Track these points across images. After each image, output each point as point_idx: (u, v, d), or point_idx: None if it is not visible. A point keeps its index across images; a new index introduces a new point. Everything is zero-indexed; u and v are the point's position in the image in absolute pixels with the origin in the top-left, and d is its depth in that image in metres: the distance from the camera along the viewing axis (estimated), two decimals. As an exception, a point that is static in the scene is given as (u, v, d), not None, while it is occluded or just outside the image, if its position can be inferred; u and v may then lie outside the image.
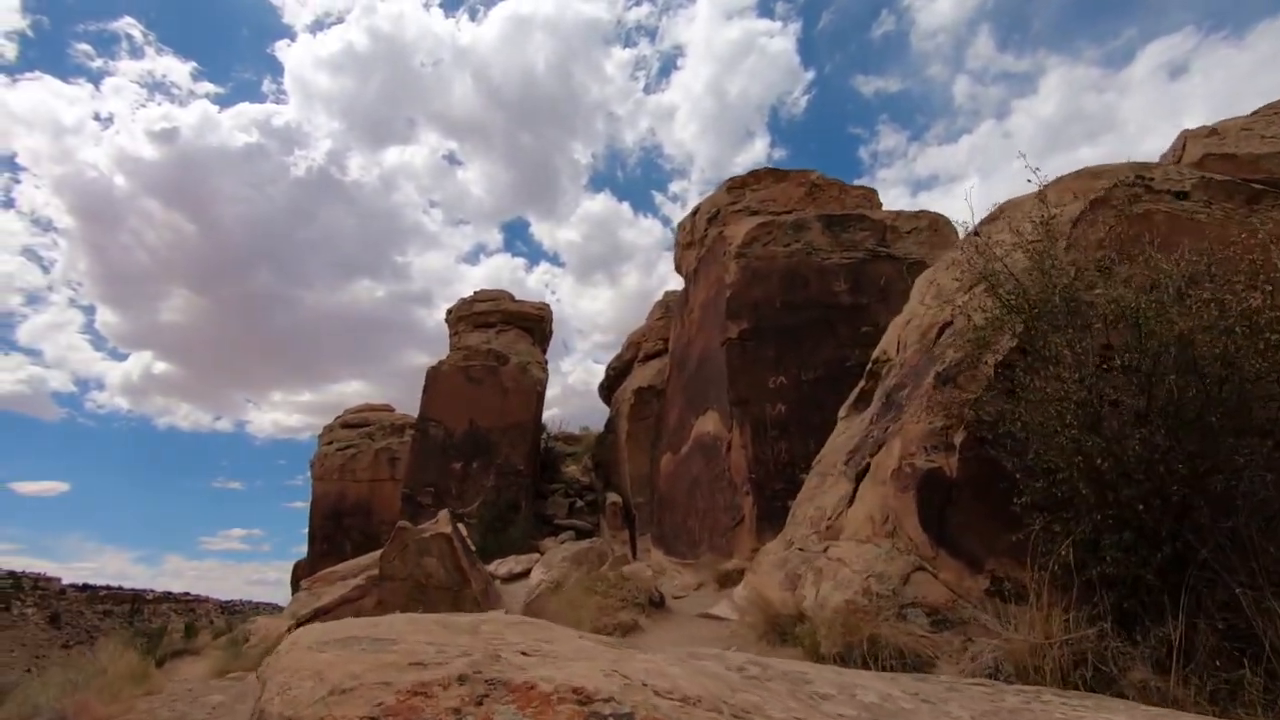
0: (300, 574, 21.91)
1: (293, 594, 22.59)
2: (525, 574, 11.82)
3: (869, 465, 4.53)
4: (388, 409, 24.89)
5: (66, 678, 5.15)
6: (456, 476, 14.92)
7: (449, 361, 16.23)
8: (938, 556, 3.62)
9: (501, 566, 11.43)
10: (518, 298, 17.87)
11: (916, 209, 8.90)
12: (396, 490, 20.73)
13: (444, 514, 7.78)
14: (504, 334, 16.81)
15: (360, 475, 22.05)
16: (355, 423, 23.87)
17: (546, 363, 17.10)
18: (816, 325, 8.52)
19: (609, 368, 17.81)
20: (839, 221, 9.04)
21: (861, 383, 6.85)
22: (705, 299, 10.77)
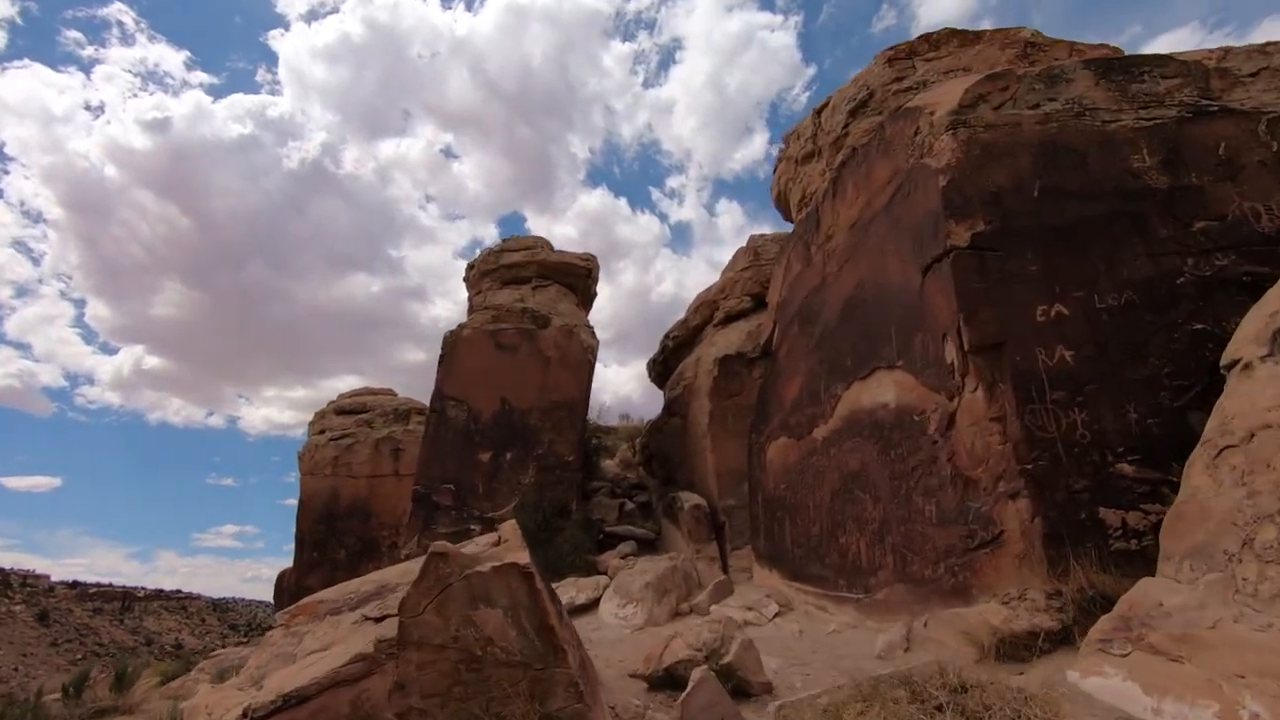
0: (285, 584, 18.59)
1: (275, 610, 19.21)
2: (591, 606, 8.55)
3: None
4: (389, 393, 21.57)
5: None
6: (484, 470, 11.56)
7: (472, 325, 12.85)
8: None
9: (559, 595, 8.15)
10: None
11: (1257, 42, 5.59)
12: (401, 487, 17.43)
13: (510, 526, 4.53)
14: (542, 290, 13.44)
15: (357, 470, 18.72)
16: (351, 409, 20.54)
17: (593, 328, 13.75)
18: (1111, 222, 5.24)
19: (667, 338, 14.44)
20: (1123, 67, 5.75)
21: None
22: (860, 216, 7.48)
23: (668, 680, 4.67)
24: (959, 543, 5.34)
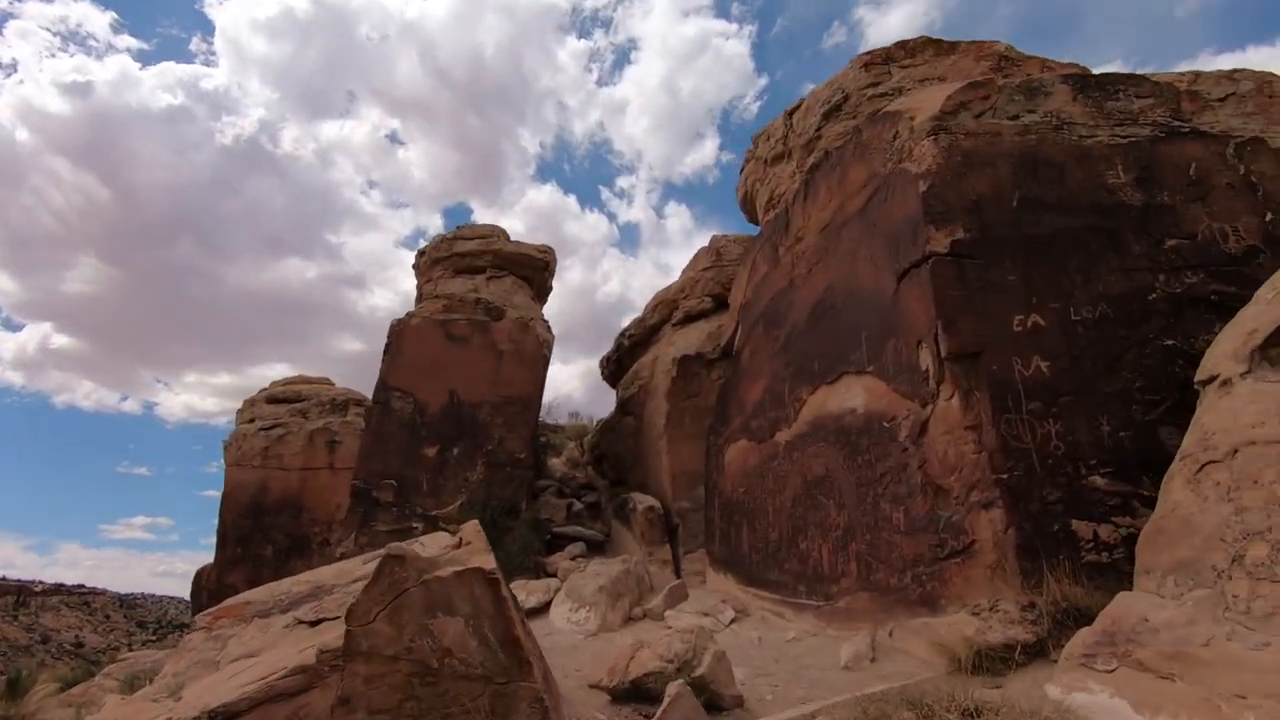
0: (205, 582, 17.47)
1: (193, 610, 18.02)
2: (542, 609, 8.24)
3: None
4: (326, 383, 20.59)
5: None
6: (430, 466, 11.04)
7: (421, 314, 12.29)
8: None
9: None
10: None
11: (1225, 69, 5.75)
12: (336, 481, 16.62)
13: (473, 527, 4.21)
14: (496, 281, 12.97)
15: (289, 462, 17.75)
16: (285, 397, 19.50)
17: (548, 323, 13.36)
18: (1087, 236, 5.29)
19: (623, 336, 14.19)
20: (1099, 84, 5.83)
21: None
22: (833, 219, 7.41)
23: (633, 693, 4.42)
24: (928, 551, 5.27)
